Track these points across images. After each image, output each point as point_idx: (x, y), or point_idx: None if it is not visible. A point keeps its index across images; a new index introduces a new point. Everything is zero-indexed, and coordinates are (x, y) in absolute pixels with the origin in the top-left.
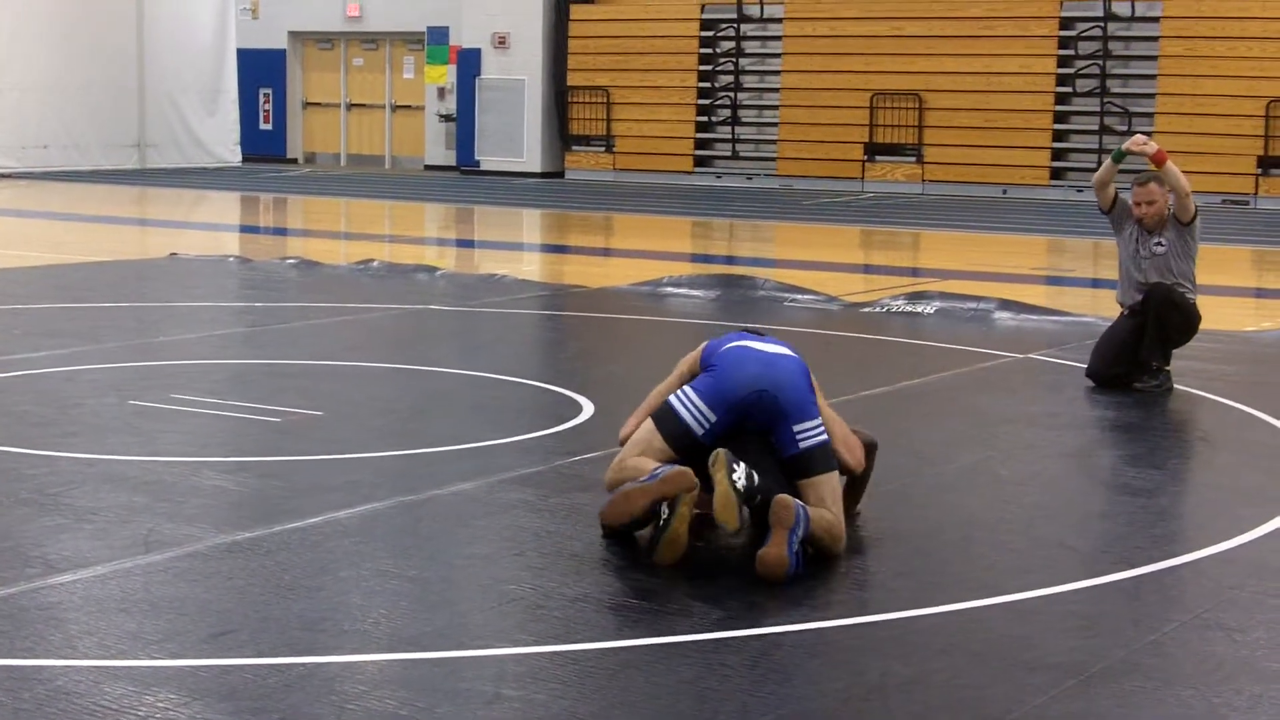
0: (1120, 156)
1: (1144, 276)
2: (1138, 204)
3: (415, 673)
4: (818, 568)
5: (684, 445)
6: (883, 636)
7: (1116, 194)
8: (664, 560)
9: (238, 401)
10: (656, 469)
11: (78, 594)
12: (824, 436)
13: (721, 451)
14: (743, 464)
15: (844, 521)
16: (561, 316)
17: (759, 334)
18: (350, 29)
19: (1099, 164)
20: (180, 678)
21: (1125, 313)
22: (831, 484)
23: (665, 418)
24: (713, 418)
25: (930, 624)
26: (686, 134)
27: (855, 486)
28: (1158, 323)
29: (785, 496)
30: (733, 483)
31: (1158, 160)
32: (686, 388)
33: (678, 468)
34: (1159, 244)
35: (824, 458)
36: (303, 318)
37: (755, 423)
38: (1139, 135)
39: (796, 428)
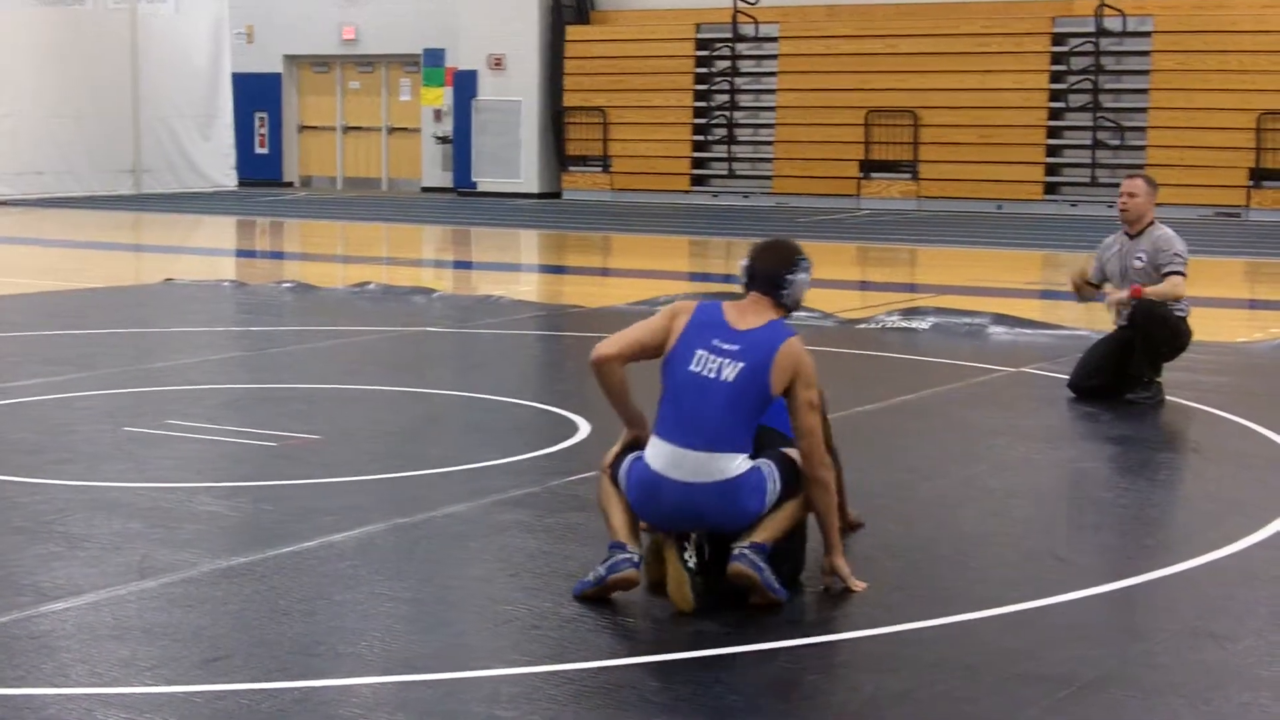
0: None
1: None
2: (1121, 195)
3: (411, 695)
4: (809, 584)
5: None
6: (876, 651)
7: (1088, 280)
8: (681, 606)
9: (233, 426)
10: (608, 559)
11: (70, 622)
12: (762, 506)
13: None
14: (692, 540)
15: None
16: (558, 337)
17: (725, 327)
18: (346, 52)
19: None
20: (174, 705)
21: (1116, 327)
22: (784, 506)
23: (615, 484)
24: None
25: (923, 637)
26: (683, 153)
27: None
28: (1145, 338)
29: (736, 568)
30: (684, 562)
31: (1135, 295)
32: (626, 479)
33: (623, 573)
34: (1138, 258)
35: (763, 511)
36: (299, 341)
37: None
38: (1111, 297)
39: (740, 532)
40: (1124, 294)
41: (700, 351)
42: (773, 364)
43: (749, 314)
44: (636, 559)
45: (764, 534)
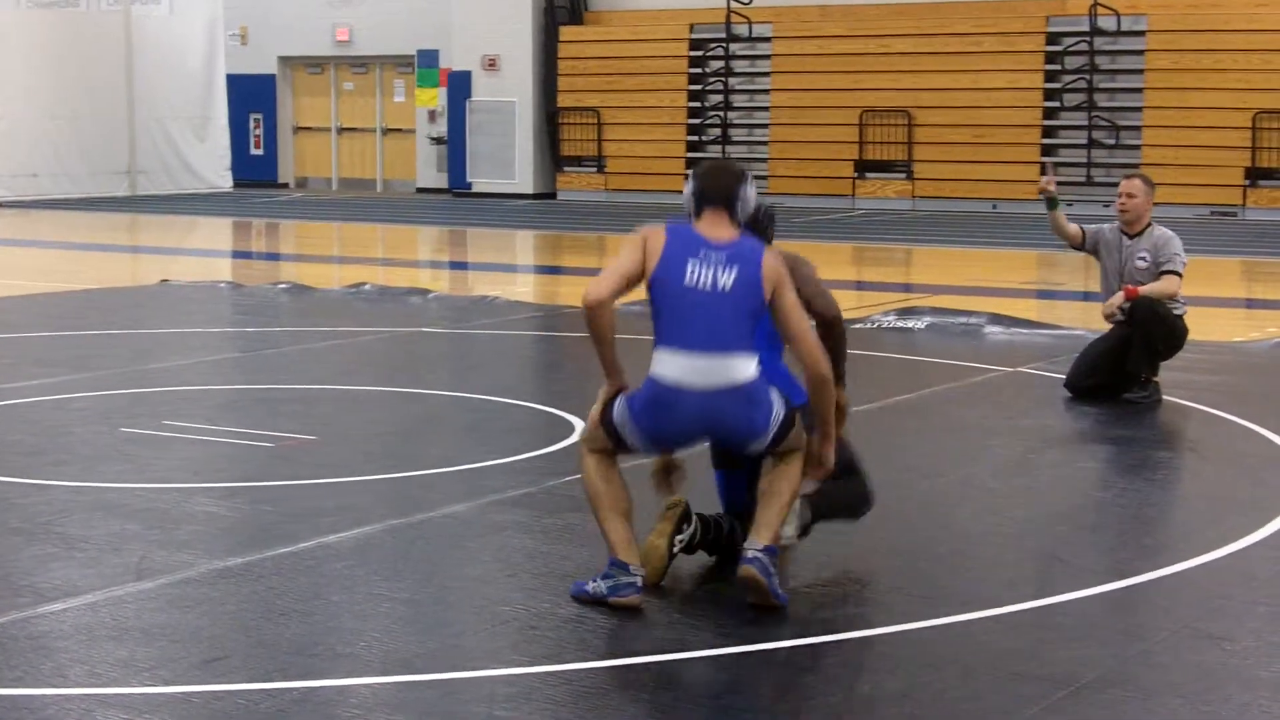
0: (1054, 204)
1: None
2: (1119, 196)
3: (409, 695)
4: (808, 584)
5: (628, 451)
6: (875, 650)
7: (1080, 229)
8: (642, 560)
9: (230, 427)
10: (612, 580)
11: (68, 623)
12: (775, 431)
13: (681, 504)
14: (694, 522)
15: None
16: (554, 337)
17: (705, 241)
18: (340, 53)
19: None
20: (173, 705)
21: (1112, 327)
22: (796, 442)
23: (611, 435)
24: (657, 451)
25: (922, 637)
26: (677, 153)
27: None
28: (1144, 336)
29: (748, 572)
30: (671, 542)
31: (1130, 296)
32: (628, 416)
33: (626, 599)
34: (1141, 258)
35: (779, 439)
36: (295, 342)
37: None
38: (1109, 301)
39: (745, 447)
40: (1120, 297)
41: (690, 265)
42: (761, 274)
43: (718, 228)
44: (640, 583)
45: (770, 533)
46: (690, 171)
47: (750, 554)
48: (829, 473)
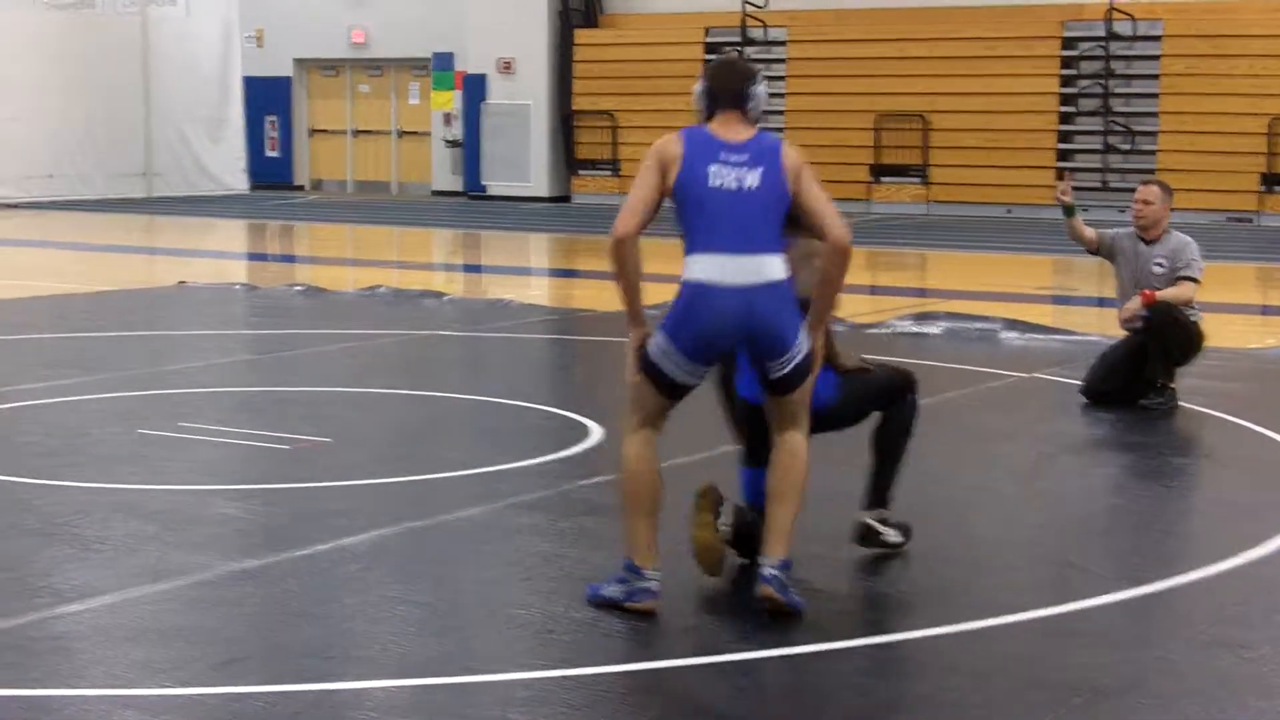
0: (1070, 211)
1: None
2: (1136, 201)
3: (424, 698)
4: (825, 589)
5: (688, 391)
6: (891, 656)
7: (1096, 233)
8: (700, 555)
9: (246, 429)
10: (628, 585)
11: (86, 624)
12: (801, 356)
13: (711, 489)
14: (728, 504)
15: (808, 440)
16: (569, 341)
17: (723, 143)
18: (355, 56)
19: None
20: (189, 706)
21: (1129, 333)
22: (805, 390)
23: (658, 380)
24: (706, 369)
25: (937, 643)
26: None
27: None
28: (1160, 341)
29: (766, 592)
30: (717, 530)
31: (1147, 302)
32: (665, 340)
33: (641, 604)
34: (1158, 264)
35: (800, 374)
36: (310, 345)
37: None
38: (1126, 306)
39: (772, 362)
40: (1137, 303)
41: (713, 168)
42: (783, 164)
43: (733, 128)
44: (655, 587)
45: (784, 544)
46: (699, 72)
47: (767, 573)
48: (817, 369)
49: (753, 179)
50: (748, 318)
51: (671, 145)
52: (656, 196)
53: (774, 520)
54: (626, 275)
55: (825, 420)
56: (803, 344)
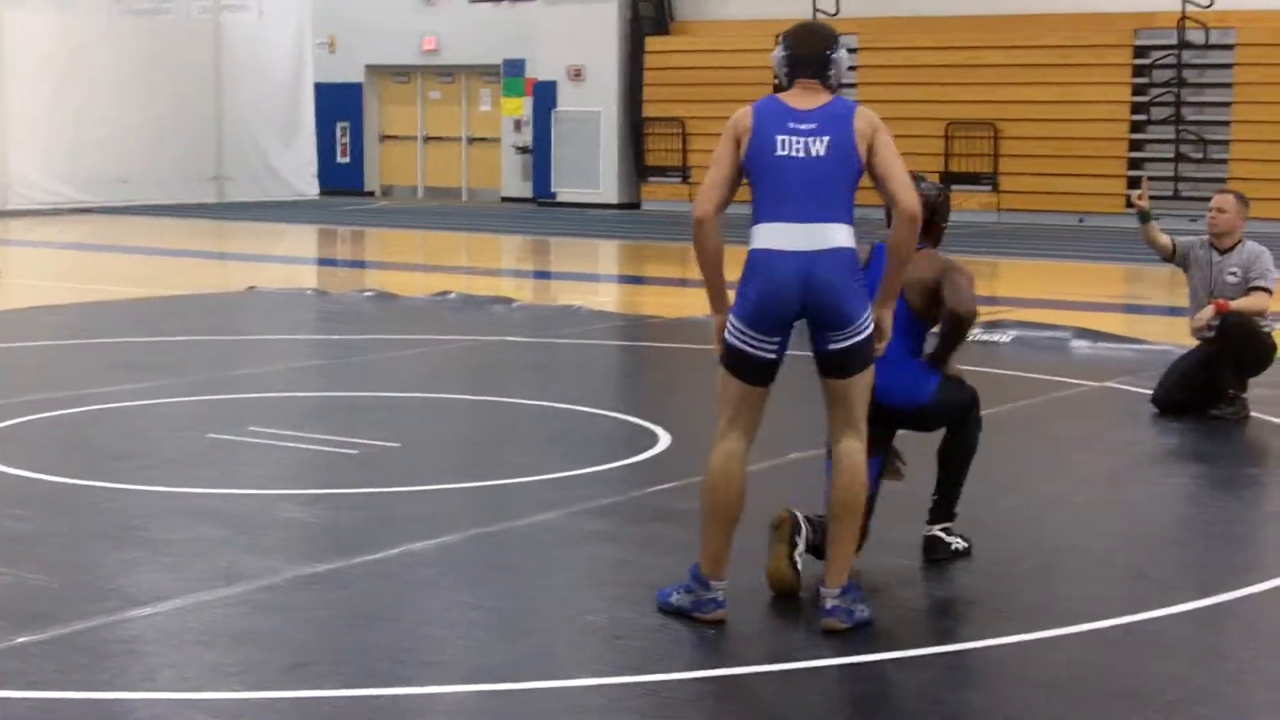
0: (1146, 217)
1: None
2: (1210, 210)
3: (494, 703)
4: (897, 598)
5: (767, 372)
6: (959, 665)
7: (1171, 241)
8: (774, 588)
9: (315, 434)
10: (695, 597)
11: (156, 627)
12: (862, 336)
13: (788, 520)
14: (805, 526)
15: (865, 453)
16: (638, 347)
17: (794, 111)
18: (426, 62)
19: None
20: (259, 710)
21: (1200, 343)
22: (865, 385)
23: (734, 364)
24: (774, 339)
25: (1007, 652)
26: None
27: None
28: (1232, 351)
29: (830, 625)
30: (791, 561)
31: (1220, 311)
32: (736, 321)
33: (709, 614)
34: (1231, 273)
35: (860, 358)
36: (380, 350)
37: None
38: (1198, 315)
39: (832, 333)
40: (1209, 312)
41: (780, 137)
42: (854, 131)
43: (808, 96)
44: (721, 597)
45: (844, 572)
46: (780, 34)
47: (829, 604)
48: (886, 339)
49: (819, 147)
50: (808, 280)
51: (744, 119)
52: (734, 173)
53: (835, 546)
54: (708, 258)
55: (913, 418)
56: (868, 322)
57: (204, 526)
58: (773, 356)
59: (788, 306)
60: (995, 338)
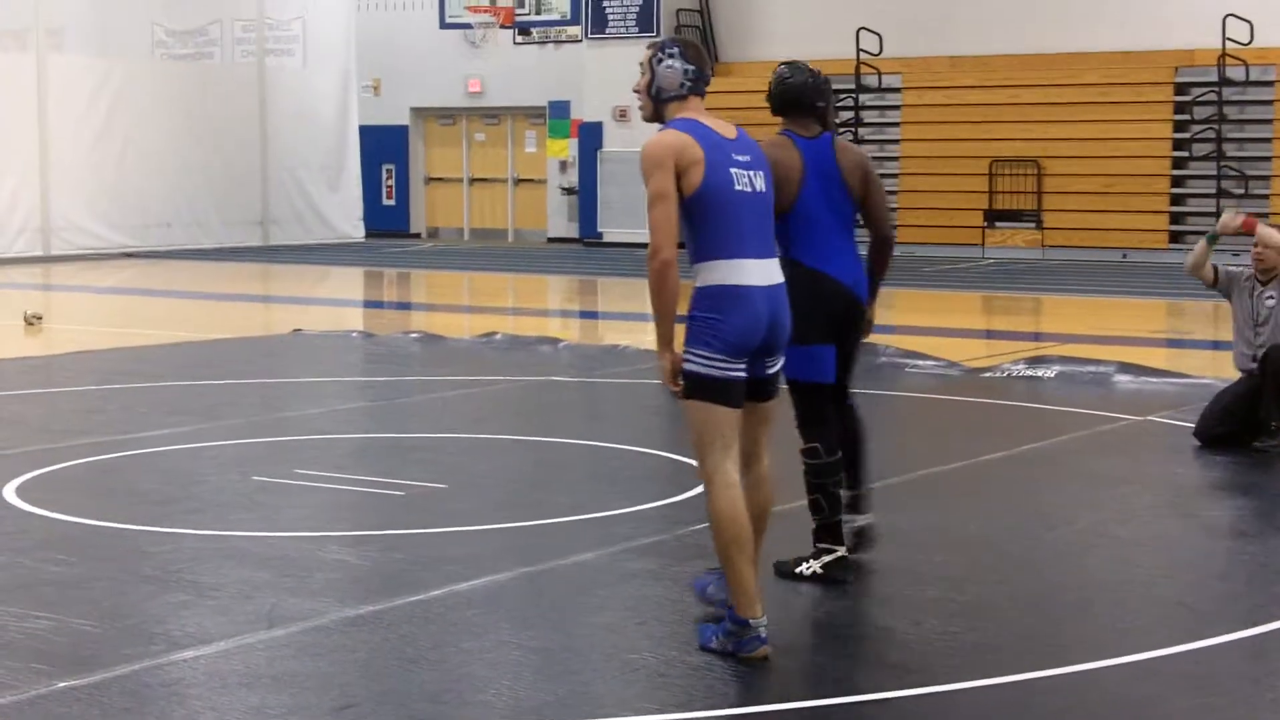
0: (1214, 239)
1: (1259, 339)
2: (1255, 246)
3: None
4: (937, 631)
5: (742, 395)
6: (1001, 698)
7: (1215, 268)
8: None
9: (360, 475)
10: (738, 636)
11: (201, 669)
12: (784, 359)
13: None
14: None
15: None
16: None
17: (727, 141)
18: (472, 104)
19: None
20: None
21: (1243, 375)
22: (775, 410)
23: (720, 393)
24: (743, 363)
25: (1050, 685)
26: None
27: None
28: (1275, 384)
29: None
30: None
31: (1248, 228)
32: (710, 354)
33: (754, 652)
34: (1270, 297)
35: (777, 382)
36: (426, 391)
37: None
38: (1225, 215)
39: (770, 360)
40: (1239, 220)
41: (734, 170)
42: (770, 168)
43: (716, 122)
44: (764, 633)
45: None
46: (666, 44)
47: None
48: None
49: (760, 182)
50: (773, 315)
51: (692, 149)
52: (677, 211)
53: (751, 574)
54: (670, 300)
55: (857, 316)
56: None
57: (248, 569)
58: (746, 374)
59: (758, 337)
60: (1039, 373)
